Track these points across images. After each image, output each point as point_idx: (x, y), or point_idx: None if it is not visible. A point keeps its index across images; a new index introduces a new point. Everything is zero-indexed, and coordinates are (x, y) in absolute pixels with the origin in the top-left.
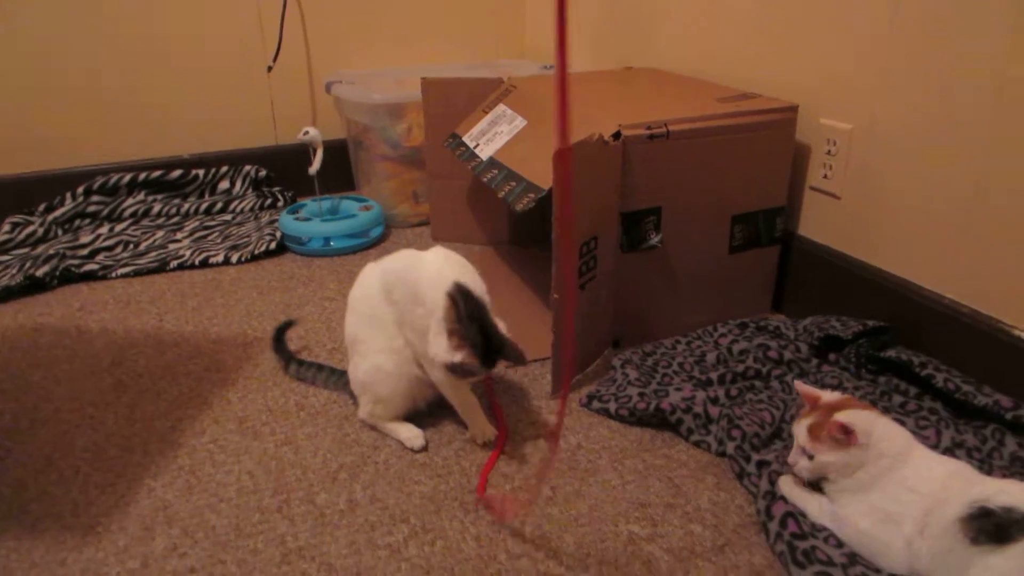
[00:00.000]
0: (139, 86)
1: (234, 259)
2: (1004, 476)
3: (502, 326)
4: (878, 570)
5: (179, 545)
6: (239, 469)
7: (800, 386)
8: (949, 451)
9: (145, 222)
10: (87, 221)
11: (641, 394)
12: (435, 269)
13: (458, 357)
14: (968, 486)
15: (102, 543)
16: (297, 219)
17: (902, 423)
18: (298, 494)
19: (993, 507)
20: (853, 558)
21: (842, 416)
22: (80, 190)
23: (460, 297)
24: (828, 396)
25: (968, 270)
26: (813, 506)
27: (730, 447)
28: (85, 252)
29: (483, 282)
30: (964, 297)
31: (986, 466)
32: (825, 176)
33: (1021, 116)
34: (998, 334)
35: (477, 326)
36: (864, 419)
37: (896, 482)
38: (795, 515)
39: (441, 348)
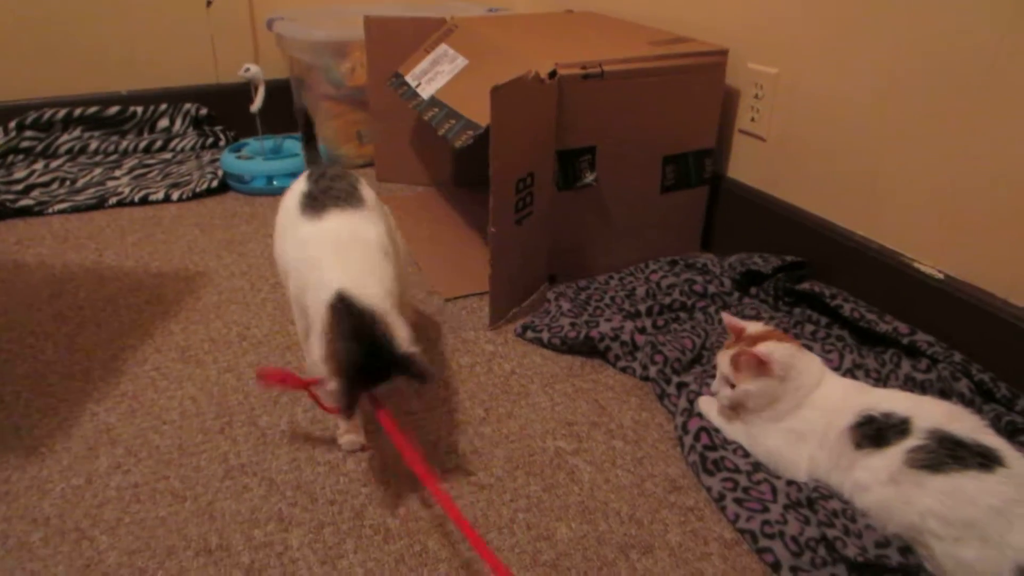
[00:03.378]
0: (72, 18)
1: (175, 197)
2: None
3: (404, 336)
4: (778, 476)
5: (123, 463)
6: (182, 394)
7: (727, 317)
8: (850, 371)
9: (82, 159)
10: (20, 157)
11: (573, 324)
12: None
13: (329, 383)
14: (860, 398)
15: (46, 462)
16: (239, 158)
17: (810, 347)
18: (240, 417)
19: (875, 414)
20: (757, 466)
21: (761, 348)
22: (12, 125)
23: (343, 309)
24: (752, 328)
25: (876, 209)
26: (727, 423)
27: (652, 371)
28: (19, 188)
29: (388, 275)
30: (872, 233)
31: (882, 385)
32: (752, 119)
33: (926, 68)
34: (901, 267)
35: (353, 344)
36: (784, 352)
37: (807, 406)
38: (708, 430)
39: (318, 360)
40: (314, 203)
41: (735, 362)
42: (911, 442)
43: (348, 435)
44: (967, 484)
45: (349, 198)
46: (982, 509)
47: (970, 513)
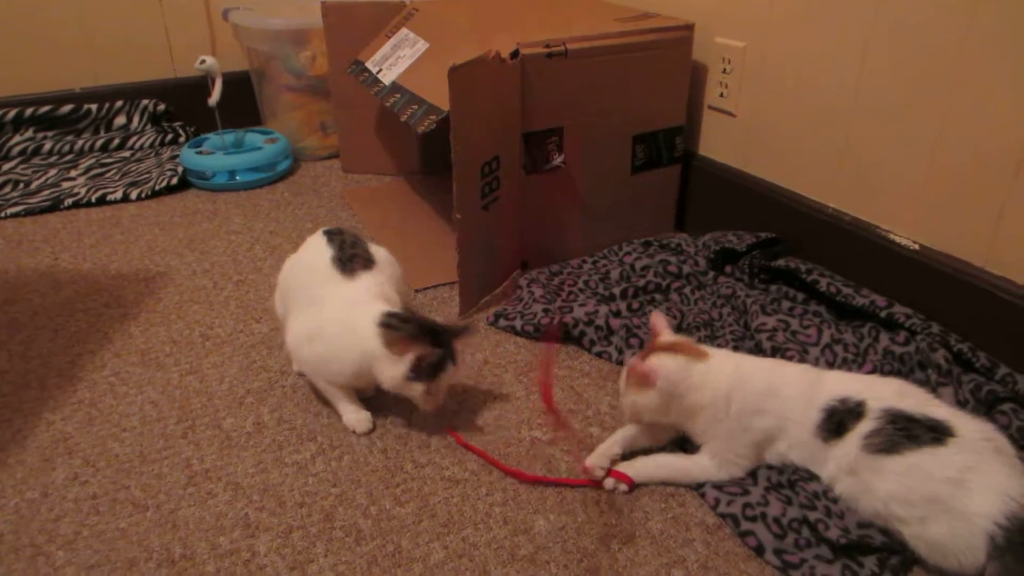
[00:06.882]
0: (19, 13)
1: (134, 196)
2: (876, 368)
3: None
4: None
5: (80, 474)
6: (142, 399)
7: (654, 316)
8: (828, 347)
9: (36, 160)
10: None
11: (546, 310)
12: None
13: (409, 357)
14: (819, 387)
15: None
16: (200, 153)
17: (787, 324)
18: (204, 420)
19: (833, 404)
20: None
21: (652, 361)
22: None
23: (391, 318)
24: (665, 337)
25: (848, 181)
26: None
27: (628, 355)
28: None
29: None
30: (845, 206)
31: (861, 359)
32: (721, 95)
33: (898, 39)
34: (875, 239)
35: (414, 326)
36: (674, 366)
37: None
38: None
39: (389, 367)
40: (343, 265)
41: (629, 372)
42: (867, 425)
43: (356, 415)
44: (922, 460)
45: (367, 261)
46: (940, 482)
47: (929, 488)
